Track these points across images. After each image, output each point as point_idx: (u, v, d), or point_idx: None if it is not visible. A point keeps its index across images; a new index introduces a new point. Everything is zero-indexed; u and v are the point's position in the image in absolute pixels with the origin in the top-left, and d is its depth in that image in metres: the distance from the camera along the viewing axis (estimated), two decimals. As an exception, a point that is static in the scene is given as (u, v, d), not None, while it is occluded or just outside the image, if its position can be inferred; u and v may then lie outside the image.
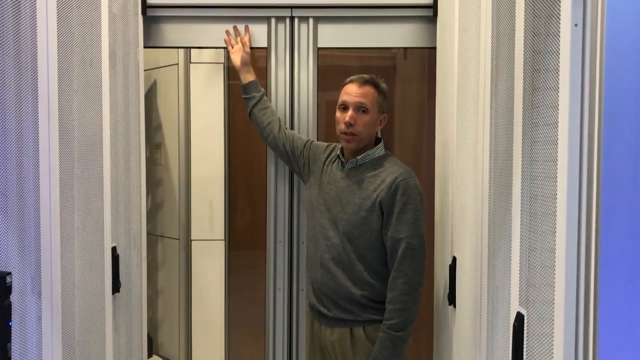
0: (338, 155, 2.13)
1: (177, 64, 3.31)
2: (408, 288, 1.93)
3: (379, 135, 2.17)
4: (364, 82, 2.04)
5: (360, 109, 2.02)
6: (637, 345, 0.95)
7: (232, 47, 2.44)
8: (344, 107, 2.04)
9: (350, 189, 2.04)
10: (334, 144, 2.27)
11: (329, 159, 2.19)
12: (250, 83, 2.41)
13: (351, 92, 2.03)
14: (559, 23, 1.02)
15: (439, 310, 2.30)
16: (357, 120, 2.01)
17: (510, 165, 1.29)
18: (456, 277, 1.94)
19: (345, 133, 2.03)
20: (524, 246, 1.21)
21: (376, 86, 2.06)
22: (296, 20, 2.50)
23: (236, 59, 2.42)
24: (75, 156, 1.63)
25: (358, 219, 1.99)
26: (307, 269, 2.20)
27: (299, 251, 2.54)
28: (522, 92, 1.21)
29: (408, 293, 1.93)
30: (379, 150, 2.09)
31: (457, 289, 1.93)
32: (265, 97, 2.42)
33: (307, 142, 2.33)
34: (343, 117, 2.03)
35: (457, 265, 1.93)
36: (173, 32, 2.53)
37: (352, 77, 2.08)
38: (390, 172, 2.01)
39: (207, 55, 3.27)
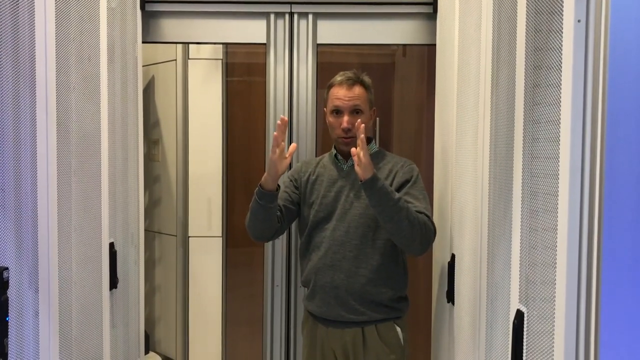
0: (335, 156, 2.12)
1: (175, 59, 3.29)
2: (420, 224, 1.86)
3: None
4: (353, 84, 2.02)
5: (355, 111, 2.02)
6: (639, 343, 0.95)
7: (278, 147, 1.85)
8: (337, 112, 2.03)
9: (358, 183, 2.02)
10: (311, 159, 2.23)
11: (314, 172, 2.13)
12: (277, 192, 1.96)
13: (343, 96, 2.02)
14: (562, 19, 1.01)
15: (437, 307, 2.30)
16: (353, 123, 2.01)
17: (510, 162, 1.29)
18: (455, 275, 1.93)
19: (345, 137, 2.03)
20: (524, 243, 1.21)
21: (363, 84, 2.05)
22: (295, 16, 2.49)
23: (282, 166, 1.88)
24: (73, 152, 1.62)
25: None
26: (310, 276, 2.07)
27: (297, 248, 2.54)
28: (523, 89, 1.20)
29: (420, 224, 1.86)
30: (373, 146, 2.12)
31: (456, 286, 1.92)
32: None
33: (290, 182, 2.15)
34: (339, 123, 2.03)
35: (456, 263, 1.93)
36: (172, 28, 2.52)
37: (337, 78, 2.06)
38: (395, 163, 2.07)
39: (205, 51, 3.26)
